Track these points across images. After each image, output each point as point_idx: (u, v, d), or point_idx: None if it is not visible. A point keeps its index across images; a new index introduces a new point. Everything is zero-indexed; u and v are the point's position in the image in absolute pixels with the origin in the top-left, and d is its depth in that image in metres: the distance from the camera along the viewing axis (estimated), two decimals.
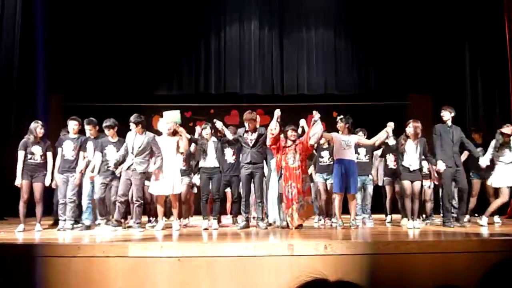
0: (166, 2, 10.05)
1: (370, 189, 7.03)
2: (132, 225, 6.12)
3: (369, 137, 6.91)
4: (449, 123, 6.36)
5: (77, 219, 6.34)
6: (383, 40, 10.10)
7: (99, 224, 6.17)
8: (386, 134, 6.57)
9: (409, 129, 6.25)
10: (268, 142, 6.21)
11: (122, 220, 6.32)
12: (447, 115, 6.37)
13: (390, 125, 6.55)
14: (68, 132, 6.48)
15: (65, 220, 6.16)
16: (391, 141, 6.77)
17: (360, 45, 10.30)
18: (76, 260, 4.03)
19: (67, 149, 6.33)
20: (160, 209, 6.28)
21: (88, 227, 6.14)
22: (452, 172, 6.21)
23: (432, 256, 4.09)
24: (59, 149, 6.34)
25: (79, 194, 6.29)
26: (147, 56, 10.02)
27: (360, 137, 6.71)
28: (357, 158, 6.77)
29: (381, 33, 10.11)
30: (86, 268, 4.01)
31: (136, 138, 6.15)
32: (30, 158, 6.06)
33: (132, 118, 6.17)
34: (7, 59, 8.33)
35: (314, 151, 6.91)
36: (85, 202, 6.29)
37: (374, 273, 3.97)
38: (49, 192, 6.63)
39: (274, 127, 6.10)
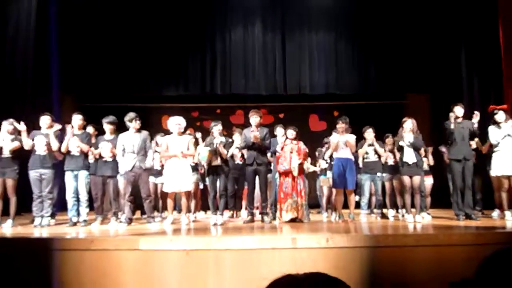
0: (173, 6, 10.23)
1: (378, 186, 7.22)
2: (148, 221, 6.23)
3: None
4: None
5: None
6: (382, 42, 10.21)
7: (85, 220, 6.12)
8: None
9: (408, 124, 6.37)
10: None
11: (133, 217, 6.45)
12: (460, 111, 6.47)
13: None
14: (40, 128, 6.27)
15: (41, 216, 6.00)
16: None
17: (360, 47, 10.41)
18: (89, 253, 4.18)
19: (39, 144, 6.12)
20: (170, 204, 6.36)
21: (74, 224, 6.08)
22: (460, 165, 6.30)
23: (429, 248, 4.22)
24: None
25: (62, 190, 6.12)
26: (155, 58, 10.17)
27: (352, 139, 6.66)
28: (366, 158, 7.02)
29: (381, 35, 10.22)
30: (98, 260, 4.16)
31: (133, 136, 6.21)
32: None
33: (130, 116, 6.24)
34: (23, 61, 8.56)
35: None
36: (70, 199, 6.17)
37: (374, 265, 4.11)
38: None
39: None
